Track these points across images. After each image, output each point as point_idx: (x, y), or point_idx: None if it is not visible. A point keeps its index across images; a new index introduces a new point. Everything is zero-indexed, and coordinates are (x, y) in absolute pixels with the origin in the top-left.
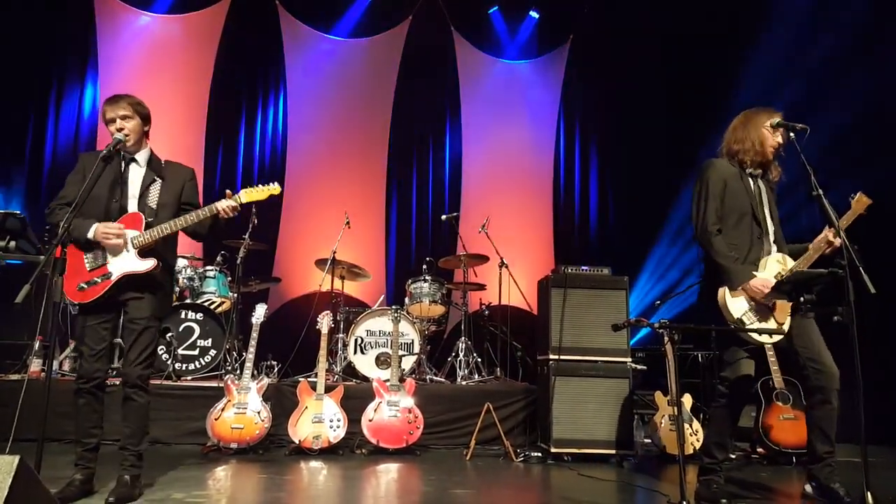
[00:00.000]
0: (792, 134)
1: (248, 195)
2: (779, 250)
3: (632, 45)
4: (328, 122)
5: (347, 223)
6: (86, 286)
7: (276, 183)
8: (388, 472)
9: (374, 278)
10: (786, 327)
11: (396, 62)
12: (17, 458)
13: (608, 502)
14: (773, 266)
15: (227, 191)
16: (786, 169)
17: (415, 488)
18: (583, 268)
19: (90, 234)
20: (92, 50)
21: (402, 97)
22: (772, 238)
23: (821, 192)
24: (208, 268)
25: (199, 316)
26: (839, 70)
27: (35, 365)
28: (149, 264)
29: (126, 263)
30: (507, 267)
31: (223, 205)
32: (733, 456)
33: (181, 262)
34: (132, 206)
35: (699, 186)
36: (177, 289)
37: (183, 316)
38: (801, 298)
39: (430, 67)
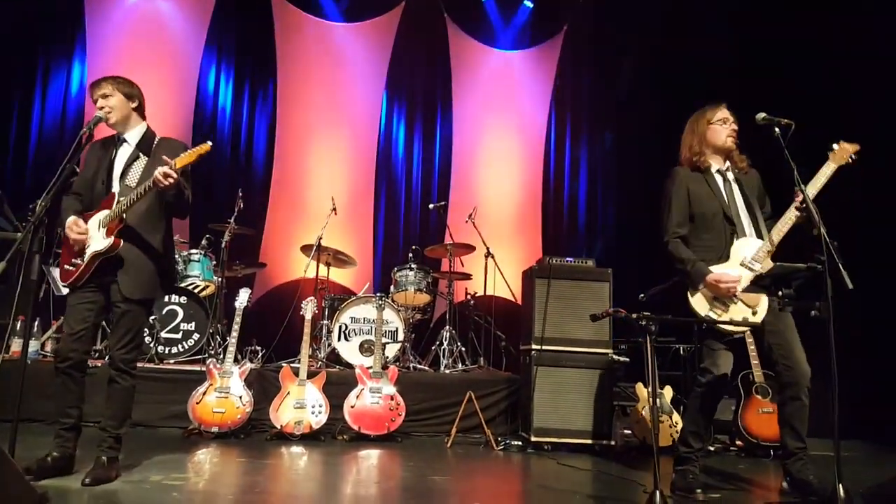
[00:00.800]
0: (776, 129)
1: (181, 160)
2: (759, 237)
3: (625, 36)
4: (318, 107)
5: (333, 209)
6: (70, 268)
7: (208, 142)
8: (368, 458)
9: (361, 266)
10: (760, 315)
11: (388, 48)
12: None
13: (584, 491)
14: (741, 250)
15: (164, 157)
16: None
17: (392, 474)
18: (567, 259)
19: (66, 229)
20: (80, 28)
21: (393, 84)
22: (748, 231)
23: (804, 187)
24: (193, 251)
25: (183, 299)
26: None
27: (16, 345)
28: (107, 242)
29: (95, 244)
30: (492, 257)
31: (157, 173)
32: (712, 448)
33: None
34: (115, 187)
35: (664, 195)
36: None
37: (166, 299)
38: (780, 293)
39: (422, 54)
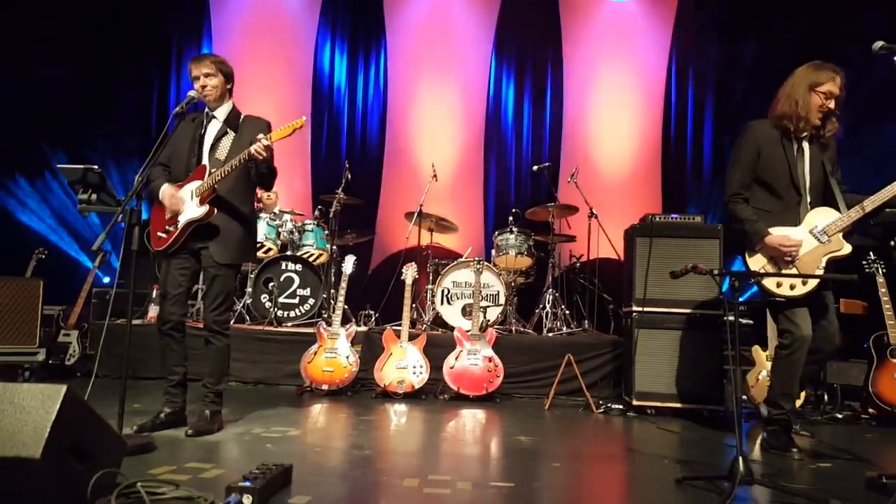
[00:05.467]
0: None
1: (276, 134)
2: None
3: None
4: (428, 75)
5: (434, 175)
6: (163, 235)
7: (303, 117)
8: (461, 417)
9: (473, 230)
10: (807, 288)
11: (496, 7)
12: (64, 387)
13: (674, 455)
14: (814, 218)
15: (259, 135)
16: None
17: (481, 433)
18: (672, 216)
19: (160, 196)
20: (206, 15)
21: (501, 44)
22: (808, 202)
23: None
24: (307, 221)
25: (299, 267)
26: None
27: (153, 311)
28: (202, 210)
29: (189, 212)
30: (596, 217)
31: (254, 147)
32: (840, 415)
33: (284, 217)
34: (206, 159)
35: (734, 152)
36: (279, 242)
37: (283, 267)
38: (893, 242)
39: (530, 11)
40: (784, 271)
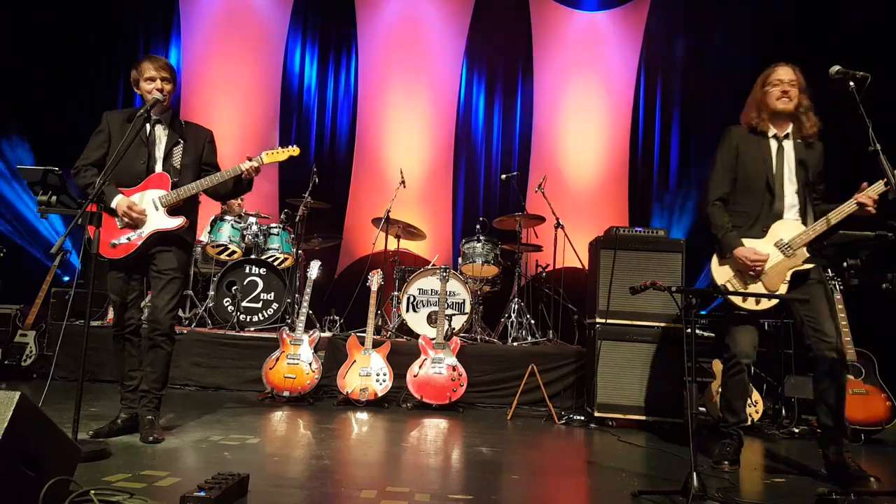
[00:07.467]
0: (851, 83)
1: (270, 157)
2: (801, 213)
3: None
4: (398, 81)
5: (402, 182)
6: (117, 243)
7: (295, 145)
8: (423, 427)
9: (441, 237)
10: (773, 301)
11: (468, 15)
12: (17, 394)
13: (633, 469)
14: (779, 231)
15: (248, 155)
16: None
17: (441, 444)
18: (636, 229)
19: (113, 205)
20: (174, 14)
21: (472, 52)
22: (787, 202)
23: (878, 147)
24: (272, 225)
25: (263, 271)
26: None
27: (112, 313)
28: (178, 222)
29: (156, 222)
30: (562, 227)
31: (246, 166)
32: (796, 430)
33: (250, 219)
34: (158, 167)
35: (715, 156)
36: (243, 245)
37: (247, 270)
38: (844, 264)
39: (502, 20)
40: (745, 288)
